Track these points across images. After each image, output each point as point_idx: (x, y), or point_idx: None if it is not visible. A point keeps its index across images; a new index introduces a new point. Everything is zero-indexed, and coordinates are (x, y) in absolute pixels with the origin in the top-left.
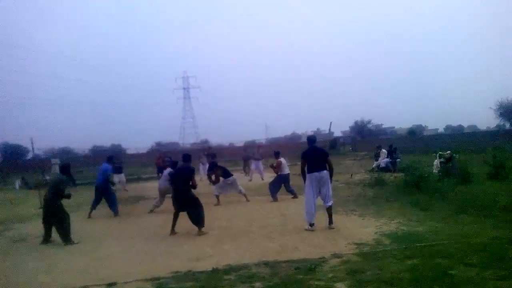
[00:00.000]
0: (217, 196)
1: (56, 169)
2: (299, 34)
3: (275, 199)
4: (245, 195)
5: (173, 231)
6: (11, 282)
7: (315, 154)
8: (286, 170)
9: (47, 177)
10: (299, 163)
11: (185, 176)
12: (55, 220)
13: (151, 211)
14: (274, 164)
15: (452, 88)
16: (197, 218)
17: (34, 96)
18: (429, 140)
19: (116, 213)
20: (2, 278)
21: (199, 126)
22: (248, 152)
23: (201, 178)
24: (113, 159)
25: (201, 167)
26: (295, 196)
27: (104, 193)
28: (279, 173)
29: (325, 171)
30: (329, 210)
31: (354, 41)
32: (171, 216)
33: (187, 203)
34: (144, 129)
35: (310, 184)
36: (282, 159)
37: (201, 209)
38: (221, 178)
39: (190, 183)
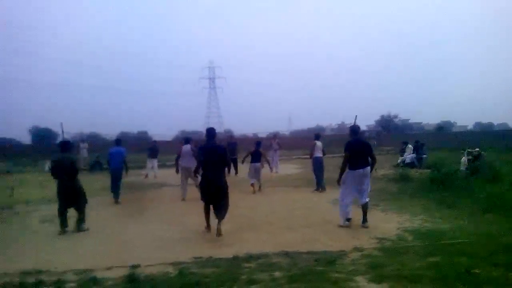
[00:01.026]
0: (252, 185)
1: (84, 153)
2: (325, 26)
3: (320, 188)
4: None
5: (208, 227)
6: (39, 259)
7: (361, 147)
8: (318, 153)
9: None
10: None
11: (219, 152)
12: (76, 200)
13: (183, 199)
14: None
15: (483, 85)
16: (224, 210)
17: (65, 81)
18: (458, 137)
19: (117, 198)
20: (31, 256)
21: (223, 116)
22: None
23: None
24: (121, 142)
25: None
26: (317, 189)
27: (118, 177)
28: (312, 156)
29: (368, 167)
30: (364, 207)
31: (381, 34)
32: (191, 204)
33: (219, 193)
34: (169, 117)
35: (352, 181)
36: (317, 141)
37: (228, 200)
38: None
39: (225, 165)
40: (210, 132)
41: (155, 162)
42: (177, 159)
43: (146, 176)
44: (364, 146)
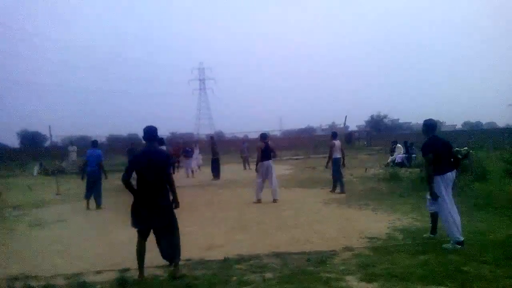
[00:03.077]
0: (259, 200)
1: (73, 156)
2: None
3: (339, 189)
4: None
5: (141, 275)
6: (27, 264)
7: (445, 147)
8: (338, 154)
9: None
10: (314, 156)
11: (159, 160)
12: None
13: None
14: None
15: (470, 85)
16: (176, 243)
17: (52, 84)
18: (447, 136)
19: (99, 205)
20: (19, 260)
21: (214, 117)
22: (247, 145)
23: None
24: (97, 144)
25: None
26: (333, 189)
27: (96, 181)
28: (332, 157)
29: (455, 170)
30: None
31: (370, 35)
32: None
33: (163, 216)
34: (160, 118)
35: (444, 187)
36: (336, 141)
37: (178, 228)
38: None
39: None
40: (149, 132)
41: None
42: None
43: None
44: (447, 145)
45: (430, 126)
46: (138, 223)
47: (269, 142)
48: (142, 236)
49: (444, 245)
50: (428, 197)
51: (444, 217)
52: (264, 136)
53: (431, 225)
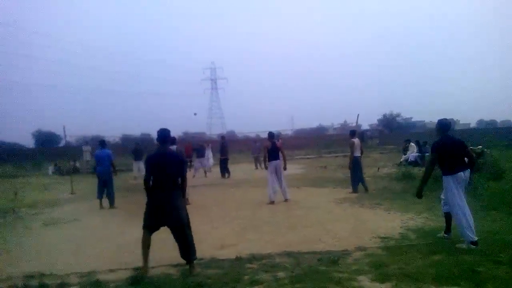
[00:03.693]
0: (273, 202)
1: (87, 156)
2: (327, 25)
3: (355, 190)
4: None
5: (145, 268)
6: (42, 263)
7: (457, 147)
8: (357, 153)
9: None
10: (326, 155)
11: (173, 161)
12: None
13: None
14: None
15: (486, 82)
16: (191, 241)
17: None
18: (461, 135)
19: (112, 204)
20: (35, 258)
21: (225, 117)
22: (259, 145)
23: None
24: (105, 143)
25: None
26: (354, 190)
27: (107, 181)
28: (352, 156)
29: (468, 171)
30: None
31: (384, 32)
32: (193, 207)
33: (176, 216)
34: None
35: (456, 187)
36: (355, 139)
37: (190, 228)
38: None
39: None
40: (162, 135)
41: (141, 164)
42: None
43: (135, 179)
44: (459, 145)
45: (442, 125)
46: (150, 221)
47: (278, 142)
48: (149, 230)
49: (458, 245)
50: (442, 197)
51: (457, 216)
52: (271, 135)
53: (445, 225)
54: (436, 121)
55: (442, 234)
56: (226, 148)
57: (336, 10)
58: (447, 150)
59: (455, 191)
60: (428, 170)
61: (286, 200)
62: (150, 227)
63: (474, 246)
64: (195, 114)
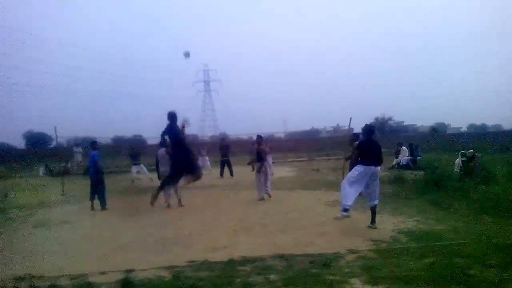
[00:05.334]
0: (262, 198)
1: (78, 157)
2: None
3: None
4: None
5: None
6: (33, 264)
7: (374, 147)
8: None
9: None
10: (317, 158)
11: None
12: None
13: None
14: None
15: (476, 87)
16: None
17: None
18: (452, 139)
19: (104, 205)
20: (25, 260)
21: (218, 119)
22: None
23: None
24: (96, 143)
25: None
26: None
27: (97, 182)
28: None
29: (379, 168)
30: (374, 209)
31: (375, 36)
32: (186, 209)
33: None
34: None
35: (363, 175)
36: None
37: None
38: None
39: None
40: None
41: (141, 167)
42: (157, 164)
43: (133, 182)
44: (377, 147)
45: (367, 130)
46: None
47: (262, 145)
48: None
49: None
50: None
51: (342, 187)
52: (259, 137)
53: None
54: (429, 125)
55: (369, 224)
56: (228, 149)
57: (329, 14)
58: (367, 148)
59: (356, 173)
60: (352, 159)
61: (269, 195)
62: (174, 175)
63: (345, 213)
64: (186, 120)
